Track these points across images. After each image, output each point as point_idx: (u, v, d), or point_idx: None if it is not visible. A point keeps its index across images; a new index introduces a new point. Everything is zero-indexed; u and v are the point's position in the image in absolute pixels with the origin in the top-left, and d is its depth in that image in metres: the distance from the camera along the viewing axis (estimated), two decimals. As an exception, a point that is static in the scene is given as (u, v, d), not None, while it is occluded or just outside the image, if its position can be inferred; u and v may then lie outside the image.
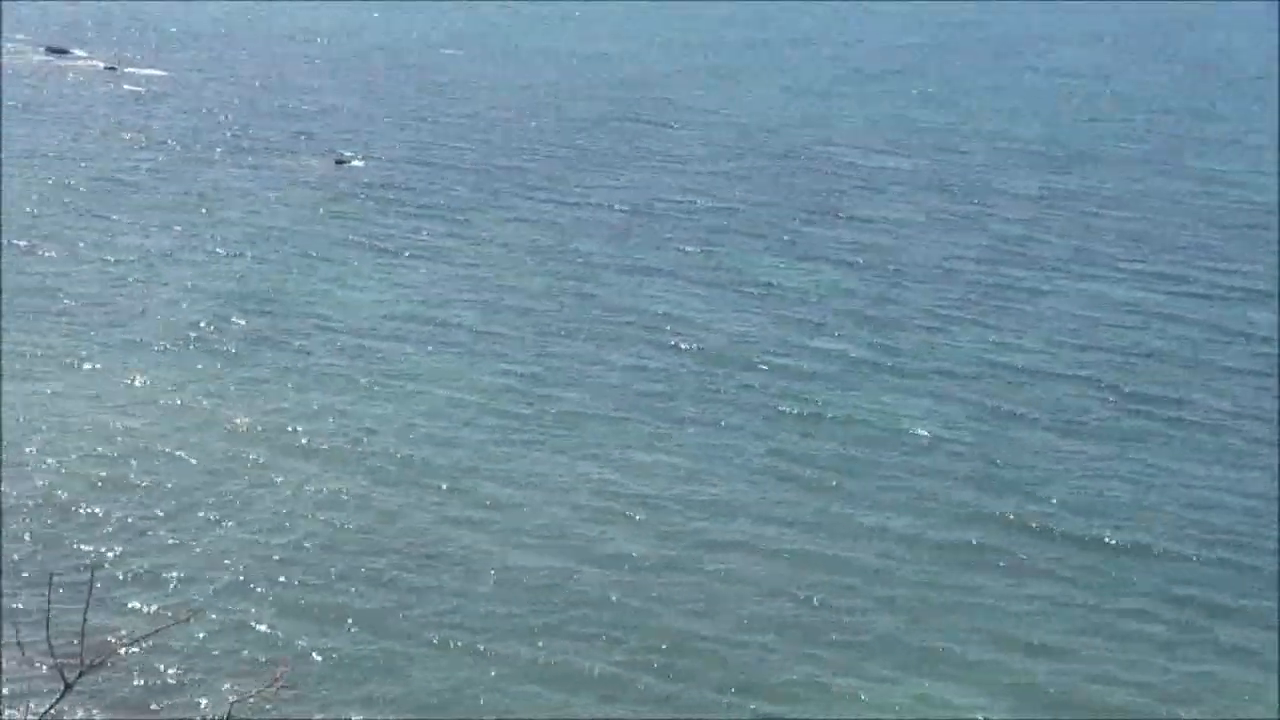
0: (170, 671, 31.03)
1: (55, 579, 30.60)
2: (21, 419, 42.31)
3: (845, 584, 36.79)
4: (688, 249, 63.53)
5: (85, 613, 16.23)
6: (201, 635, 32.40)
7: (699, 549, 38.03)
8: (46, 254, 56.53)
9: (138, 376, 45.83)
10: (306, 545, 36.72)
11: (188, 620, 32.25)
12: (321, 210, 65.28)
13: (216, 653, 31.96)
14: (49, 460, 39.94)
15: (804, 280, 60.29)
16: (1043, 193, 75.83)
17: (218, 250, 58.61)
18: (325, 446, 42.00)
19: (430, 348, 50.25)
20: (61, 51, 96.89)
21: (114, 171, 68.85)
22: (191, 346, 48.66)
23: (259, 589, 34.53)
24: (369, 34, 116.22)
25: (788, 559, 37.80)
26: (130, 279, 54.48)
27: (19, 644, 29.74)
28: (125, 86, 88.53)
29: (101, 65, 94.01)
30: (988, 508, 41.05)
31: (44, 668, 27.74)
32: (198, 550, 36.08)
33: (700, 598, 35.69)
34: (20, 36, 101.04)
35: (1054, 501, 41.54)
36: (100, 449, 40.89)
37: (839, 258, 63.24)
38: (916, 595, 36.45)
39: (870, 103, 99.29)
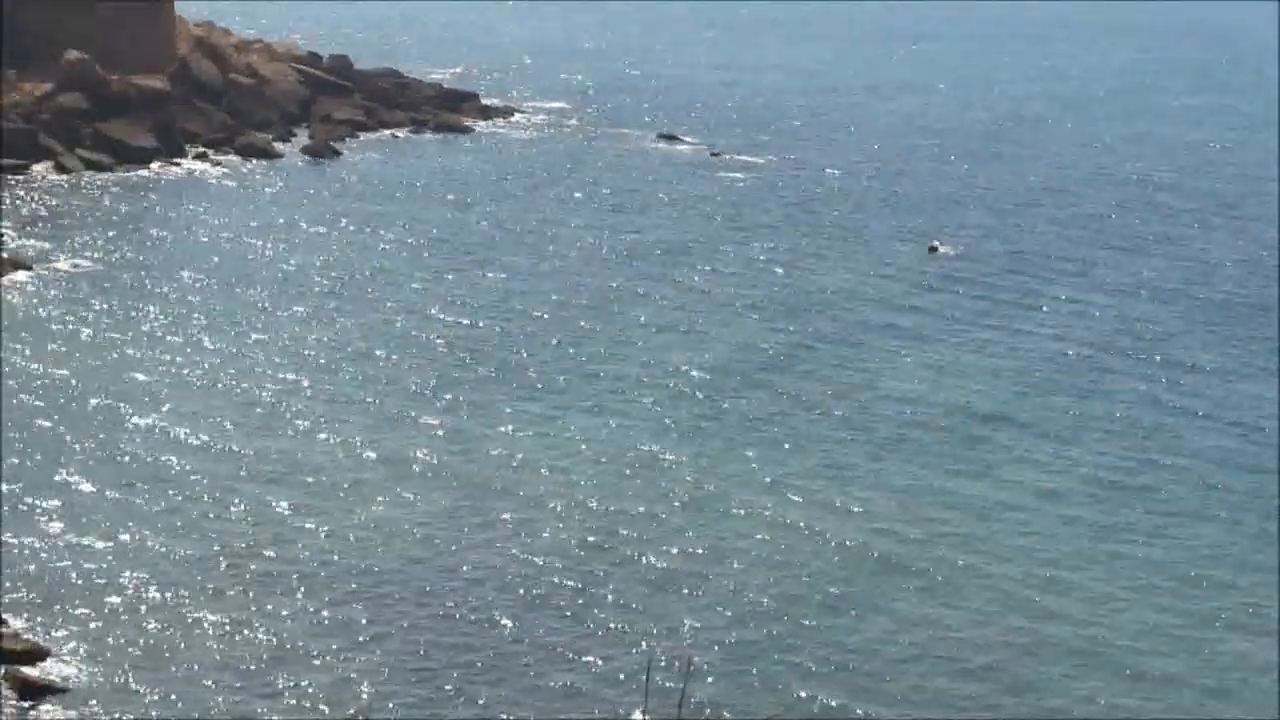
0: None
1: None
2: (532, 487, 43.66)
3: None
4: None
5: (682, 703, 16.30)
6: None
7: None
8: (597, 327, 58.65)
9: (659, 451, 46.61)
10: (899, 662, 35.52)
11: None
12: (905, 299, 65.11)
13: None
14: (566, 529, 41.00)
15: None
16: None
17: (786, 337, 59.28)
18: (897, 553, 41.29)
19: (1006, 446, 48.92)
20: (671, 138, 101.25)
21: (694, 252, 70.96)
22: (739, 427, 49.23)
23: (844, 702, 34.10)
24: (970, 115, 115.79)
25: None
26: (674, 353, 55.90)
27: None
28: (725, 173, 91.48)
29: (707, 151, 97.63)
30: None
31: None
32: (767, 649, 36.18)
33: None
34: (627, 126, 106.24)
35: None
36: (605, 525, 41.56)
37: None
38: None
39: None
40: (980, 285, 67.80)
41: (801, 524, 41.99)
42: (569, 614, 36.65)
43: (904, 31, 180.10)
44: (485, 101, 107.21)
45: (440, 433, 47.46)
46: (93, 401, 48.20)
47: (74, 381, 49.84)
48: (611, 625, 36.16)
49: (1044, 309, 64.52)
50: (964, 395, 53.16)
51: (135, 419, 47.01)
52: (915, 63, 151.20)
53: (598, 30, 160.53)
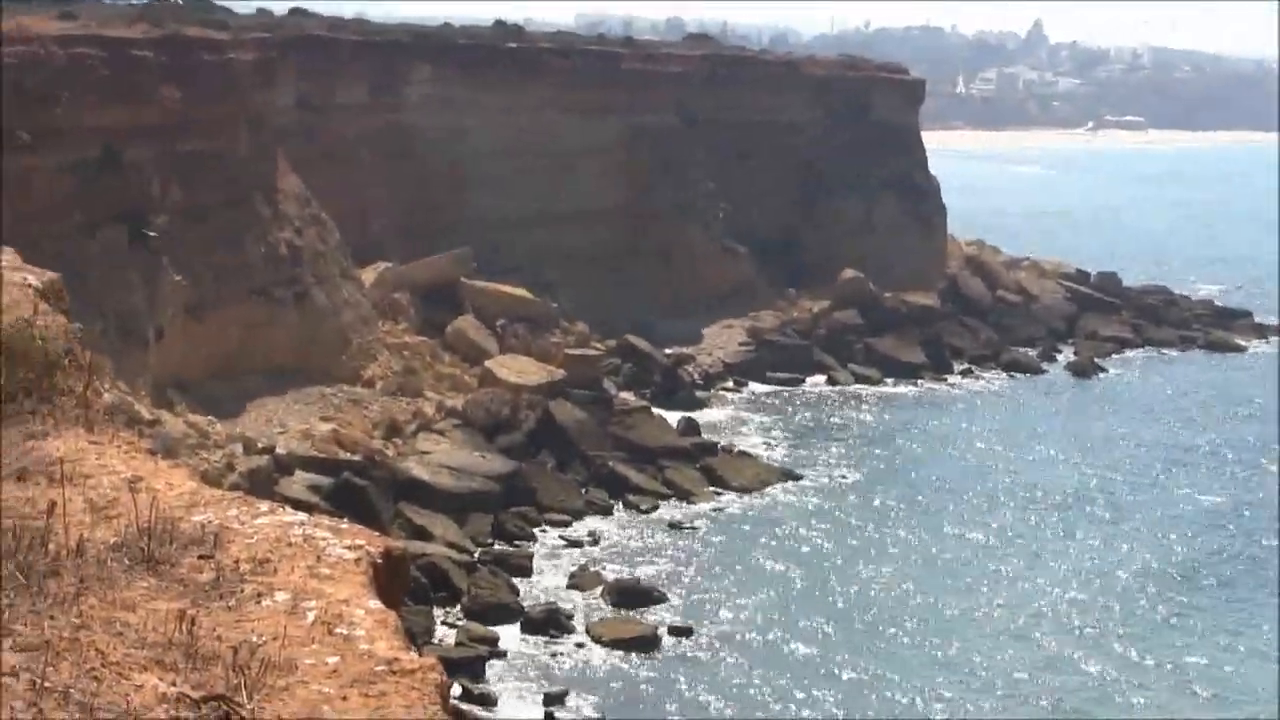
0: None
1: None
2: None
3: None
4: None
5: None
6: None
7: None
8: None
9: None
10: None
11: None
12: None
13: None
14: None
15: None
16: None
17: None
18: None
19: None
20: None
21: None
22: None
23: None
24: None
25: None
26: None
27: None
28: None
29: None
30: None
31: None
32: None
33: None
34: None
35: None
36: None
37: None
38: None
39: None
40: None
41: None
42: None
43: None
44: (1259, 320, 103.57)
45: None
46: (830, 609, 50.30)
47: (814, 589, 52.27)
48: None
49: None
50: None
51: (873, 631, 48.74)
52: None
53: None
